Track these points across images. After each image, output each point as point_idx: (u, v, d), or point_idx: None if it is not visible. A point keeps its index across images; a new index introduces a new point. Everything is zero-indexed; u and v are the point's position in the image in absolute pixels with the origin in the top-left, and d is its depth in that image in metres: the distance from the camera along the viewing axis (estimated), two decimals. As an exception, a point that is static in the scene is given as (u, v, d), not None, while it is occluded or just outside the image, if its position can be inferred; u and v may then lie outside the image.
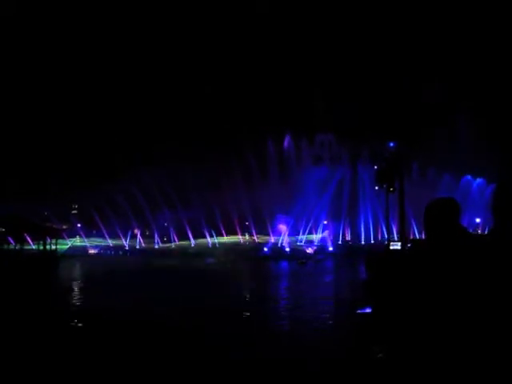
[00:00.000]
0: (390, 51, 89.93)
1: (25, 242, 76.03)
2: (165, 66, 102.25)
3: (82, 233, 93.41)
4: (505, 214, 2.59)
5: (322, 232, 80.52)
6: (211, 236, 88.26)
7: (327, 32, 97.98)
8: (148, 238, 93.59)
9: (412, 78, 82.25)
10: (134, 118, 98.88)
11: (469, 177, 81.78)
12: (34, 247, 78.14)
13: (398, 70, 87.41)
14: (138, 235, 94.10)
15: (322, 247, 73.55)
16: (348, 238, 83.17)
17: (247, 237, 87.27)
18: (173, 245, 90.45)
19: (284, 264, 53.70)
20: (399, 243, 22.44)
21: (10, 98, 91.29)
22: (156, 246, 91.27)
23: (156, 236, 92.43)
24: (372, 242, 76.27)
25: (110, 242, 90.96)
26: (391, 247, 22.64)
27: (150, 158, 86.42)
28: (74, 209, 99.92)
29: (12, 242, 74.75)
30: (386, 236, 31.22)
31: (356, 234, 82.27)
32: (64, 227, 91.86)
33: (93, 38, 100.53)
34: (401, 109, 79.85)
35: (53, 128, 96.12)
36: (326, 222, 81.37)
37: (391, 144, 29.73)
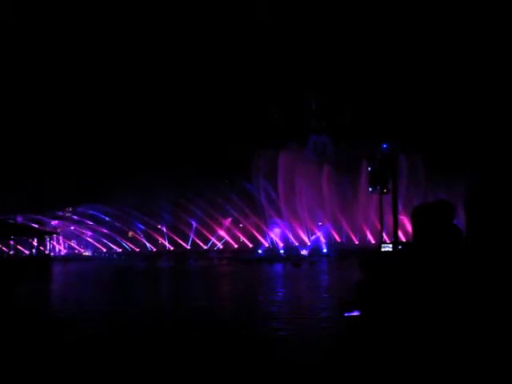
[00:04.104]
0: (383, 51, 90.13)
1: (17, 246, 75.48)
2: (163, 68, 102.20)
3: (75, 235, 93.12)
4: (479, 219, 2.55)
5: (316, 234, 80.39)
6: (206, 240, 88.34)
7: (319, 36, 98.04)
8: (141, 240, 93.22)
9: (407, 78, 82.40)
10: (126, 122, 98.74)
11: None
12: (26, 251, 77.73)
13: (392, 68, 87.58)
14: (131, 238, 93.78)
15: (316, 249, 73.40)
16: (343, 239, 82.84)
17: (241, 239, 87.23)
18: (167, 247, 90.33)
19: (278, 266, 53.41)
20: (390, 245, 22.33)
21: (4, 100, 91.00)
22: (149, 249, 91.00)
23: (143, 239, 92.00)
24: (366, 243, 76.12)
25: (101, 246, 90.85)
26: (382, 249, 22.51)
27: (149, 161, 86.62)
28: (68, 211, 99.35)
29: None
30: (380, 237, 31.21)
31: (349, 236, 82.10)
32: (58, 230, 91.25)
33: (91, 43, 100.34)
34: (396, 109, 79.95)
35: (47, 129, 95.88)
36: (320, 224, 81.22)
37: (384, 145, 29.64)
